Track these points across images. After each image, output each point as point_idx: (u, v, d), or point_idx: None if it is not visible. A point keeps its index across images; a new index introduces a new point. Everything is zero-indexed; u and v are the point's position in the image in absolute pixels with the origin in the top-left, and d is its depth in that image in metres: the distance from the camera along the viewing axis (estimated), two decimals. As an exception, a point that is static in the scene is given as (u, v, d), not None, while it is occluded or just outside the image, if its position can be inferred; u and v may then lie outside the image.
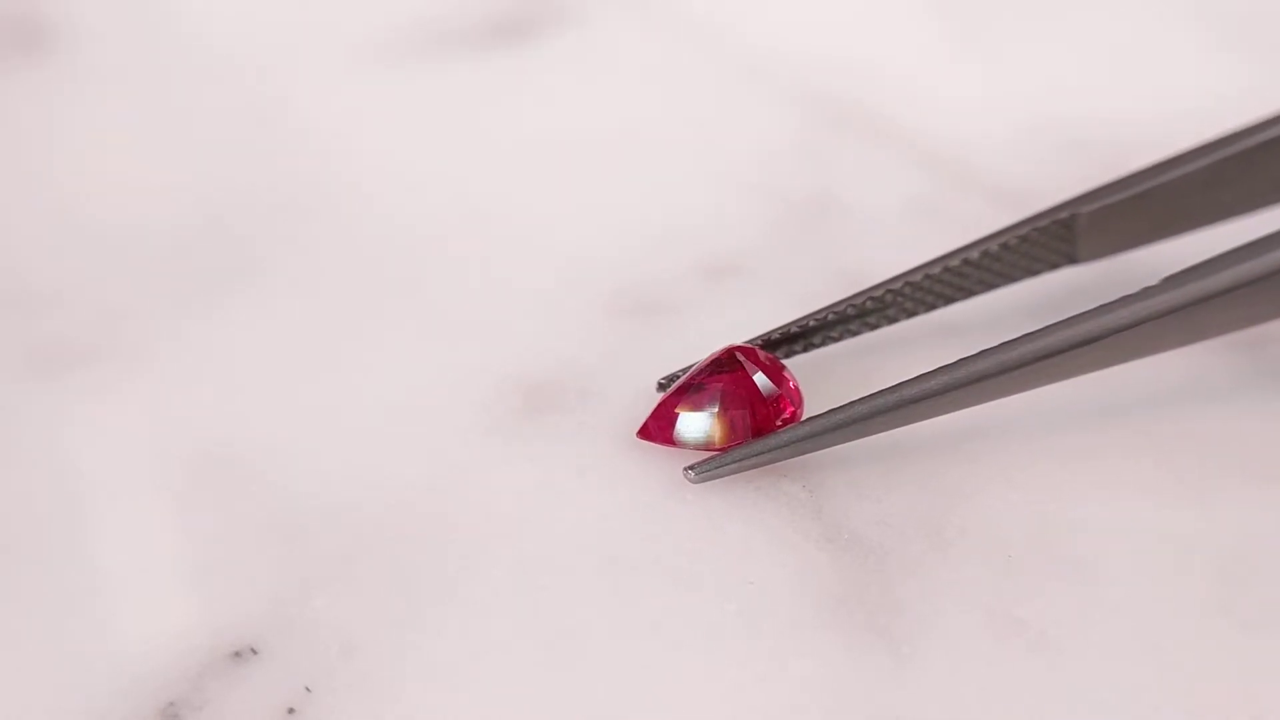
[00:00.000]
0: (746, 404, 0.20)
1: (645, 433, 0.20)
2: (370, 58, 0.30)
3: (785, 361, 0.21)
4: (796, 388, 0.20)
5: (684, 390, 0.20)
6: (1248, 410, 0.21)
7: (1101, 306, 0.19)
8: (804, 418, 0.20)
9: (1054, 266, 0.22)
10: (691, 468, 0.20)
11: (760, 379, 0.20)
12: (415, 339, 0.23)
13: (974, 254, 0.22)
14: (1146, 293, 0.19)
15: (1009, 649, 0.18)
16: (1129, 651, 0.18)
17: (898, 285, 0.21)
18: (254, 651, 0.18)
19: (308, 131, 0.28)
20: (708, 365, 0.20)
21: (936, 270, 0.21)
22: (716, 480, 0.20)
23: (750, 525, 0.20)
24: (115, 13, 0.31)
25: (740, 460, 0.19)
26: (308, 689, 0.18)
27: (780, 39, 0.31)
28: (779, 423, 0.20)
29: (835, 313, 0.21)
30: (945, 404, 0.19)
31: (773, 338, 0.21)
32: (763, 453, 0.19)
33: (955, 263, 0.22)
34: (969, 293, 0.22)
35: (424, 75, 0.30)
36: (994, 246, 0.22)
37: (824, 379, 0.21)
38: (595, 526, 0.20)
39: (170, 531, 0.20)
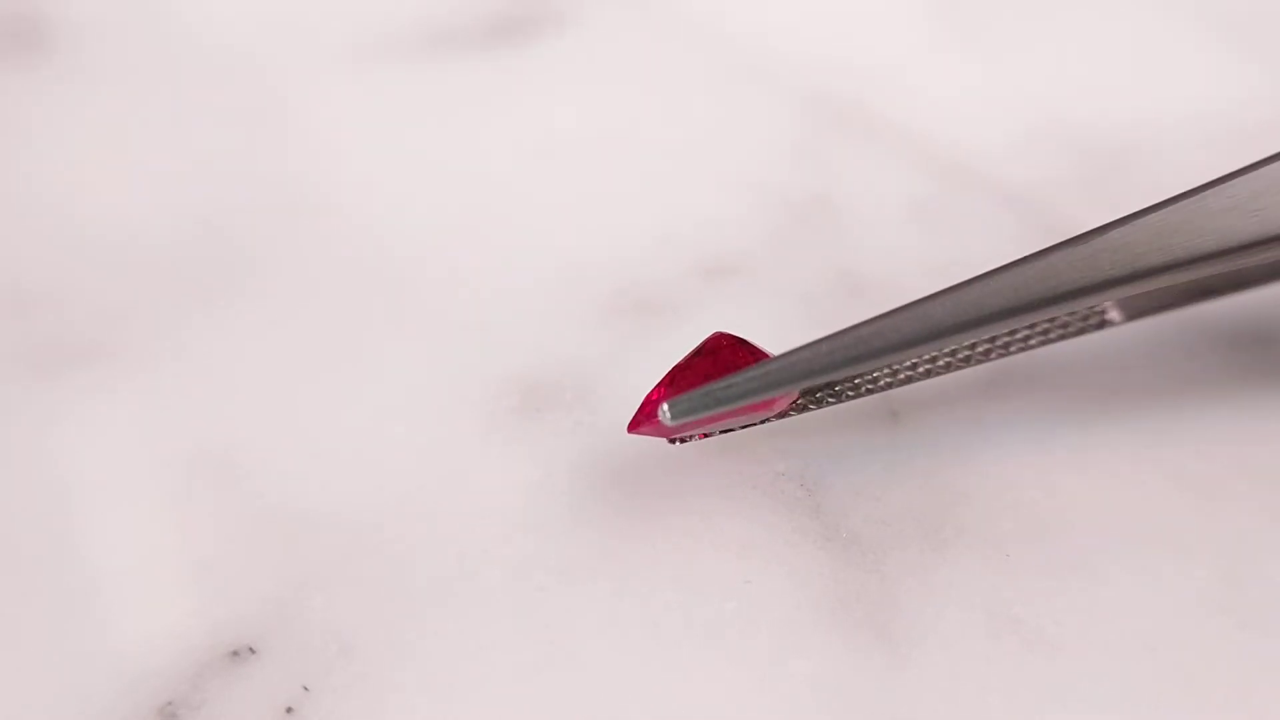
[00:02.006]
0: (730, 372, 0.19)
1: (635, 425, 0.20)
2: (370, 58, 0.30)
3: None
4: None
5: (669, 374, 0.20)
6: (1248, 410, 0.21)
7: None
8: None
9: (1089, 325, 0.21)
10: (666, 403, 0.19)
11: (747, 356, 0.20)
12: (413, 339, 0.23)
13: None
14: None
15: (1008, 648, 0.18)
16: (1128, 651, 0.18)
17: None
18: (252, 651, 0.18)
19: (305, 132, 0.28)
20: (693, 351, 0.20)
21: None
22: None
23: (749, 524, 0.20)
24: (114, 13, 0.31)
25: (717, 392, 0.18)
26: (306, 688, 0.18)
27: (780, 39, 0.31)
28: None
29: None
30: (935, 332, 0.18)
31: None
32: (746, 389, 0.18)
33: None
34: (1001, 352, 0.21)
35: (424, 76, 0.30)
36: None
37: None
38: (593, 526, 0.20)
39: (168, 531, 0.20)
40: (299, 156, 0.27)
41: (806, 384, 0.19)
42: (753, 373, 0.18)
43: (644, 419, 0.20)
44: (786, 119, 0.28)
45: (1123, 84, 0.29)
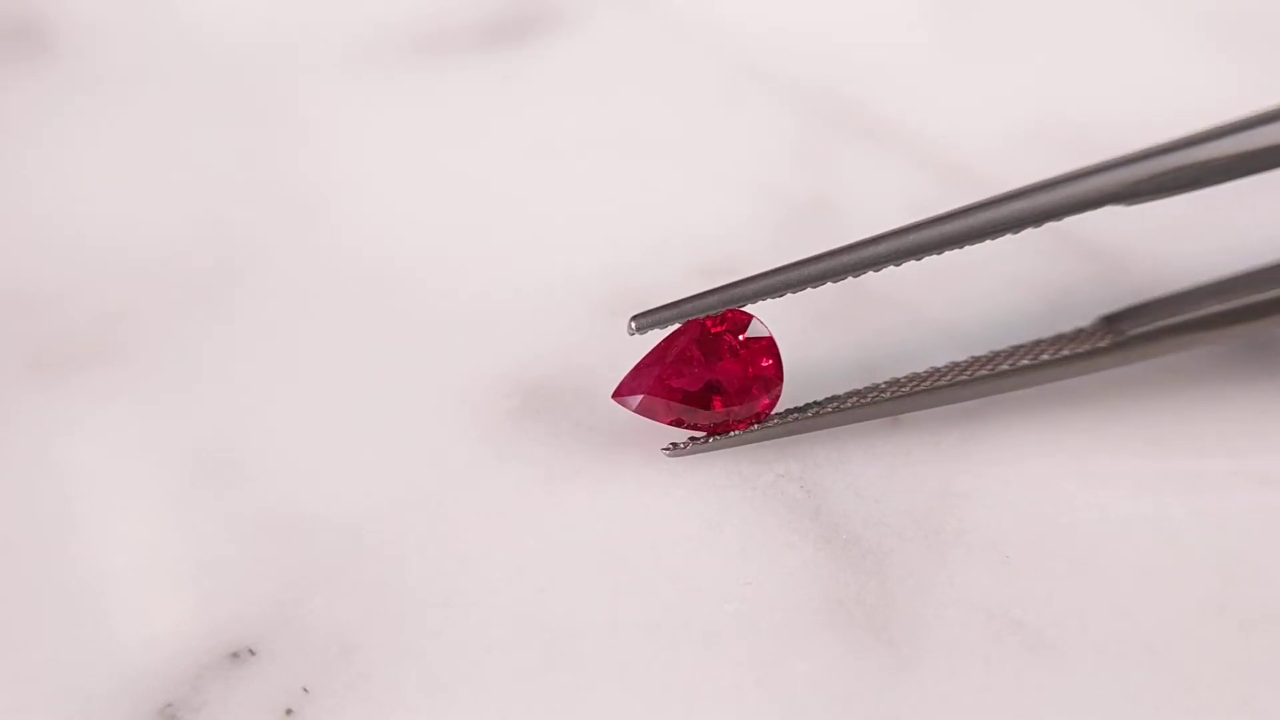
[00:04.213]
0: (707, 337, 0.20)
1: (618, 392, 0.20)
2: (370, 60, 0.30)
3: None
4: (775, 360, 0.20)
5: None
6: (1248, 409, 0.21)
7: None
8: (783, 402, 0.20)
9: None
10: (634, 318, 0.19)
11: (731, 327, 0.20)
12: (413, 340, 0.23)
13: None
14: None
15: (1007, 649, 0.18)
16: (1128, 651, 0.18)
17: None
18: (252, 652, 0.18)
19: (306, 134, 0.28)
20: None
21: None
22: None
23: (748, 526, 0.20)
24: (115, 14, 0.31)
25: (682, 305, 0.19)
26: (306, 690, 0.18)
27: (780, 39, 0.31)
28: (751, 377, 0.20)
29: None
30: (906, 249, 0.19)
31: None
32: (710, 302, 0.19)
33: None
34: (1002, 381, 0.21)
35: (424, 77, 0.30)
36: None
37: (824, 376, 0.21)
38: (593, 527, 0.20)
39: (168, 532, 0.20)
40: (300, 159, 0.27)
41: (766, 298, 0.19)
42: (717, 288, 0.19)
43: (624, 387, 0.20)
44: (787, 119, 0.28)
45: (1121, 84, 0.29)
